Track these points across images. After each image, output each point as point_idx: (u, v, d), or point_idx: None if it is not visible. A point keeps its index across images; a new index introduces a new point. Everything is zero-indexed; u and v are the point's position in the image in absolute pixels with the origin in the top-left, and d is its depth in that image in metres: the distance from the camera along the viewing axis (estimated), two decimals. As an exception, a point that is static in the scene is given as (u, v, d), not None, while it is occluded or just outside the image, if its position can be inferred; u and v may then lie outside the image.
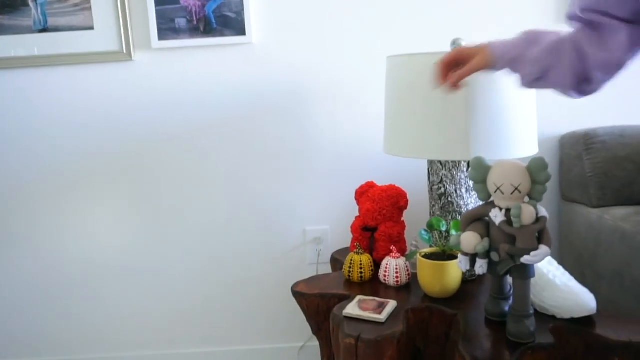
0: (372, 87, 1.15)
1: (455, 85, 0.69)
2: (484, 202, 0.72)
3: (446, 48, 1.10)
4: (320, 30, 1.13)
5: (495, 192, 0.68)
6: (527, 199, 0.68)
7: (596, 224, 0.99)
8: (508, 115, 0.82)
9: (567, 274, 0.77)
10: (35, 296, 1.24)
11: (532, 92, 0.86)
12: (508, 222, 0.67)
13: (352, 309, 0.78)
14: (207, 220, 1.21)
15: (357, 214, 1.02)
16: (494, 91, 0.81)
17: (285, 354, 1.24)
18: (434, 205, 0.93)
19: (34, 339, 1.26)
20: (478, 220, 0.71)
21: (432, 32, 1.12)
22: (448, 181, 0.90)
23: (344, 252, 1.08)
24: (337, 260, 1.05)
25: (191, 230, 1.21)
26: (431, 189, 0.93)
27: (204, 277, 1.24)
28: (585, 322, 0.72)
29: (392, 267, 0.88)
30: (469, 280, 0.90)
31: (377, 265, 0.95)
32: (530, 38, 0.65)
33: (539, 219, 0.66)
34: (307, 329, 1.23)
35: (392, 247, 0.90)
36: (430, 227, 0.85)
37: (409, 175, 1.17)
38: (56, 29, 1.11)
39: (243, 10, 1.09)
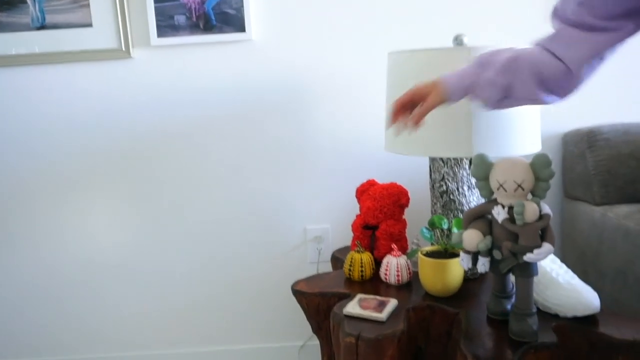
0: (373, 84, 1.15)
1: (416, 124, 0.69)
2: (487, 200, 0.71)
3: (448, 43, 1.09)
4: (321, 26, 1.13)
5: (497, 189, 0.67)
6: (530, 196, 0.68)
7: (599, 221, 0.99)
8: (511, 112, 0.81)
9: (570, 272, 0.77)
10: (35, 296, 1.24)
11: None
12: (511, 219, 0.66)
13: (352, 307, 0.78)
14: (207, 219, 1.21)
15: (358, 212, 1.02)
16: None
17: (286, 353, 1.24)
18: (435, 203, 0.92)
19: (34, 338, 1.26)
20: (480, 217, 0.71)
21: (434, 27, 1.12)
22: (450, 179, 0.90)
23: (345, 250, 1.08)
24: (337, 259, 1.04)
25: (191, 229, 1.21)
26: (433, 187, 0.93)
27: (204, 277, 1.23)
28: (588, 321, 0.71)
29: (393, 266, 0.87)
30: (471, 279, 0.89)
31: (377, 263, 0.95)
32: (483, 62, 0.67)
33: (542, 217, 0.65)
34: (307, 328, 1.23)
35: (393, 246, 0.90)
36: (432, 225, 0.85)
37: (410, 173, 1.17)
38: (54, 26, 1.11)
39: (243, 6, 1.09)
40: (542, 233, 0.66)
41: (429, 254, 0.84)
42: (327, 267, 1.20)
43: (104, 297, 1.24)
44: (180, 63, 1.14)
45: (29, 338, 1.25)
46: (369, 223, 0.96)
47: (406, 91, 0.68)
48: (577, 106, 1.15)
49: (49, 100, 1.16)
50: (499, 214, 0.67)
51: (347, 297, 0.85)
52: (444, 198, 0.90)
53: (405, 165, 1.17)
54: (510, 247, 0.66)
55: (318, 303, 0.87)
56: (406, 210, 0.98)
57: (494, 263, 0.70)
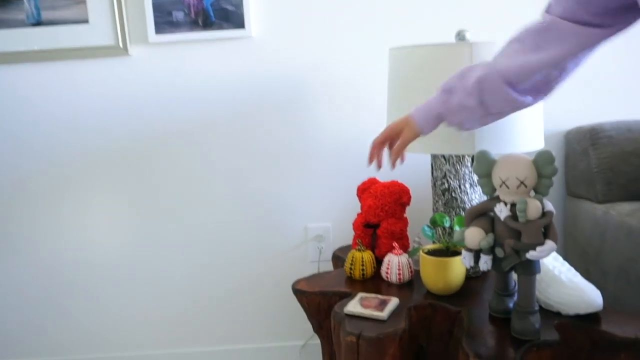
0: (374, 80, 1.15)
1: (397, 159, 0.74)
2: (489, 197, 0.72)
3: (450, 39, 1.09)
4: (322, 22, 1.13)
5: (500, 186, 0.68)
6: (532, 193, 0.68)
7: (602, 219, 1.00)
8: (513, 109, 0.81)
9: (572, 269, 0.77)
10: (34, 296, 1.24)
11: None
12: (513, 216, 0.66)
13: (353, 306, 0.78)
14: (207, 218, 1.21)
15: (359, 210, 1.02)
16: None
17: (287, 352, 1.25)
18: (437, 201, 0.93)
19: (33, 339, 1.26)
20: (482, 215, 0.71)
21: (436, 23, 1.12)
22: (452, 176, 0.90)
23: (346, 249, 1.08)
24: (338, 258, 1.05)
25: (191, 229, 1.21)
26: (434, 185, 0.93)
27: (204, 276, 1.24)
28: (591, 319, 0.72)
29: (395, 264, 0.88)
30: (473, 277, 0.90)
31: (379, 262, 0.95)
32: (448, 88, 0.69)
33: (545, 214, 0.66)
34: (308, 327, 1.23)
35: (395, 244, 0.90)
36: (434, 223, 0.85)
37: (412, 171, 1.17)
38: (50, 23, 1.11)
39: (242, 3, 1.09)
40: (544, 230, 0.66)
41: (431, 252, 0.84)
42: (328, 266, 1.21)
43: (104, 297, 1.24)
44: (178, 60, 1.14)
45: (28, 338, 1.26)
46: (370, 221, 0.97)
47: (382, 131, 0.74)
48: (580, 103, 1.15)
49: (45, 98, 1.16)
50: (502, 211, 0.67)
51: (348, 296, 0.85)
52: (445, 196, 0.91)
53: (406, 163, 1.17)
54: (512, 244, 0.67)
55: (319, 302, 0.87)
56: (407, 209, 0.98)
57: (496, 261, 0.70)
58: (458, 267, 0.81)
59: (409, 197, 0.96)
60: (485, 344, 0.68)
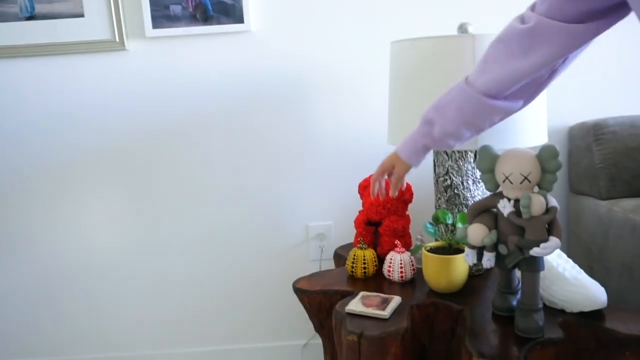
0: (375, 76, 1.15)
1: (395, 191, 0.81)
2: (492, 193, 0.72)
3: (452, 32, 1.09)
4: (322, 16, 1.12)
5: (503, 181, 0.68)
6: (536, 188, 0.68)
7: (605, 216, 1.00)
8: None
9: (576, 266, 0.77)
10: (32, 296, 1.24)
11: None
12: (517, 213, 0.67)
13: (355, 305, 0.78)
14: (207, 217, 1.21)
15: (361, 208, 1.02)
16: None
17: (289, 351, 1.25)
18: (439, 198, 0.93)
19: (32, 339, 1.26)
20: (485, 211, 0.71)
21: (438, 16, 1.12)
22: (454, 173, 0.90)
23: (348, 247, 1.09)
24: (340, 256, 1.05)
25: (190, 228, 1.21)
26: (437, 181, 0.93)
27: (205, 276, 1.23)
28: (595, 316, 0.72)
29: (397, 262, 0.88)
30: (476, 275, 0.90)
31: (381, 260, 0.95)
32: (428, 119, 0.71)
33: (549, 210, 0.66)
34: (310, 326, 1.24)
35: (397, 242, 0.91)
36: (436, 220, 0.85)
37: (414, 168, 1.17)
38: (44, 17, 1.10)
39: (240, -4, 1.08)
40: (548, 227, 0.66)
41: (433, 250, 0.84)
42: (330, 265, 1.21)
43: (103, 297, 1.24)
44: (176, 55, 1.13)
45: (27, 338, 1.25)
46: (372, 219, 0.97)
47: (377, 168, 0.81)
48: (584, 99, 1.16)
49: (39, 94, 1.15)
50: (505, 207, 0.67)
51: (349, 295, 0.85)
52: (448, 192, 0.91)
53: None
54: (516, 241, 0.67)
55: (320, 301, 0.87)
56: (410, 206, 0.98)
57: (499, 258, 0.70)
58: (461, 264, 0.81)
59: (411, 194, 0.96)
60: (489, 343, 0.68)
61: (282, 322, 1.25)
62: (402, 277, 0.88)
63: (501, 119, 0.69)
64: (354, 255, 0.92)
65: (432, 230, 0.85)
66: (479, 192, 0.91)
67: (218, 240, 1.22)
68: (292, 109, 1.16)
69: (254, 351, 1.25)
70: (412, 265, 0.89)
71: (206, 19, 1.10)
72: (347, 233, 1.21)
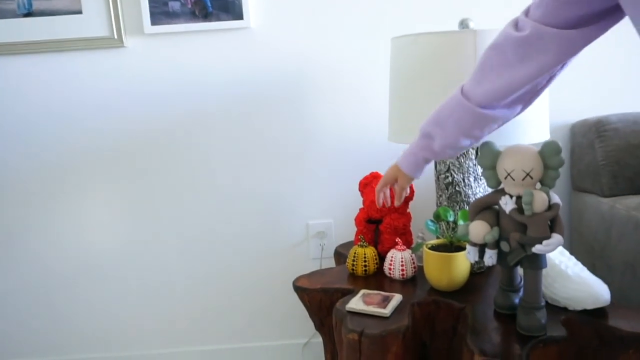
0: (376, 73, 1.14)
1: (400, 201, 0.83)
2: (494, 190, 0.71)
3: (453, 27, 1.09)
4: (322, 13, 1.12)
5: (505, 178, 0.67)
6: (538, 185, 0.68)
7: (608, 214, 1.00)
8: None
9: (579, 264, 0.77)
10: (31, 296, 1.24)
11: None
12: (519, 209, 0.66)
13: (355, 303, 0.78)
14: (206, 215, 1.20)
15: (361, 206, 1.02)
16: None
17: (290, 350, 1.25)
18: (440, 195, 0.92)
19: (30, 339, 1.26)
20: (487, 208, 0.71)
21: (439, 12, 1.11)
22: (455, 169, 0.90)
23: (348, 245, 1.08)
24: (340, 254, 1.05)
25: (190, 226, 1.21)
26: (438, 178, 0.93)
27: (205, 274, 1.23)
28: (598, 314, 0.72)
29: (398, 260, 0.87)
30: (477, 273, 0.90)
31: (381, 258, 0.95)
32: (427, 133, 0.72)
33: (551, 206, 0.66)
34: (311, 325, 1.23)
35: (398, 240, 0.90)
36: (437, 218, 0.85)
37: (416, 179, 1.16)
38: (42, 13, 1.09)
39: (239, -8, 1.08)
40: (551, 224, 0.66)
41: (434, 248, 0.84)
42: (331, 263, 1.21)
43: (103, 297, 1.24)
44: (175, 52, 1.13)
45: (26, 339, 1.25)
46: (372, 217, 0.96)
47: (380, 180, 0.84)
48: (586, 96, 1.15)
49: (36, 92, 1.15)
50: (507, 204, 0.67)
51: (350, 293, 0.85)
52: (449, 190, 0.90)
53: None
54: (518, 238, 0.66)
55: (320, 299, 0.87)
56: (411, 203, 0.98)
57: (501, 255, 0.70)
58: (462, 262, 0.81)
59: (412, 192, 0.96)
60: (490, 341, 0.68)
61: (282, 321, 1.25)
62: (403, 275, 0.87)
63: (500, 126, 0.69)
64: (355, 253, 0.91)
65: (433, 228, 0.85)
66: (480, 189, 0.91)
67: (218, 239, 1.22)
68: (292, 106, 1.16)
69: (255, 350, 1.25)
70: (413, 263, 0.88)
71: (205, 16, 1.09)
72: (348, 231, 1.21)
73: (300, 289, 0.88)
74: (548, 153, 0.65)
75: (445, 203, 0.91)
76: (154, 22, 1.09)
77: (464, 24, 0.85)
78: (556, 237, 0.64)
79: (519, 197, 0.67)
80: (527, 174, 0.65)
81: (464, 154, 0.89)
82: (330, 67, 1.14)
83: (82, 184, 1.19)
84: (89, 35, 1.10)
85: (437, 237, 0.89)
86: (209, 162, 1.18)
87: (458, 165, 0.90)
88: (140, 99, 1.15)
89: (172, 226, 1.21)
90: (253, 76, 1.14)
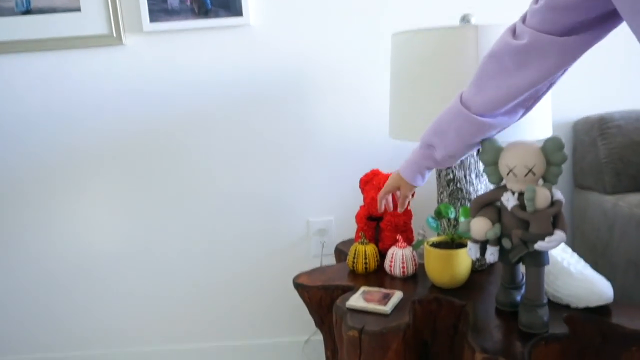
0: (376, 70, 1.14)
1: (403, 208, 0.85)
2: (496, 186, 0.71)
3: (455, 22, 1.08)
4: (322, 9, 1.11)
5: (507, 174, 0.67)
6: (541, 181, 0.67)
7: (610, 211, 0.99)
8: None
9: (582, 261, 0.76)
10: (30, 295, 1.24)
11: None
12: (521, 206, 0.66)
13: (355, 300, 0.77)
14: (207, 212, 1.20)
15: (362, 203, 1.01)
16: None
17: (290, 348, 1.24)
18: (442, 192, 0.92)
19: (29, 336, 1.26)
20: (489, 205, 0.71)
21: (440, 8, 1.10)
22: (457, 166, 0.89)
23: (349, 243, 1.08)
24: (341, 252, 1.04)
25: (191, 224, 1.21)
26: (439, 175, 0.92)
27: (205, 272, 1.23)
28: (600, 312, 0.71)
29: (398, 257, 0.87)
30: (479, 270, 0.89)
31: (382, 255, 0.95)
32: (429, 143, 0.73)
33: (554, 203, 0.65)
34: (312, 322, 1.23)
35: (398, 237, 0.90)
36: (438, 215, 0.85)
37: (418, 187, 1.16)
38: (40, 11, 1.09)
39: (239, -11, 1.08)
40: (553, 220, 0.65)
41: (436, 245, 0.84)
42: (331, 261, 1.20)
43: (103, 294, 1.24)
44: (174, 50, 1.13)
45: (25, 335, 1.25)
46: (373, 214, 0.96)
47: (383, 188, 0.85)
48: (588, 93, 1.15)
49: (35, 91, 1.14)
50: (509, 200, 0.66)
51: (350, 290, 0.84)
52: (450, 186, 0.90)
53: (409, 154, 1.17)
54: (520, 235, 0.66)
55: (320, 297, 0.87)
56: (411, 200, 0.98)
57: (503, 252, 0.70)
58: (463, 259, 0.80)
59: (413, 192, 0.95)
60: (492, 338, 0.67)
61: (283, 319, 1.24)
62: (403, 272, 0.87)
63: (500, 131, 0.69)
64: (355, 250, 0.91)
65: (434, 225, 0.85)
66: (482, 185, 0.90)
67: (218, 238, 1.22)
68: (292, 104, 1.15)
69: (255, 347, 1.25)
70: (414, 260, 0.88)
71: (204, 13, 1.09)
72: (349, 229, 1.20)
73: (301, 287, 0.88)
74: (551, 149, 0.65)
75: (447, 200, 0.91)
76: (152, 19, 1.09)
77: (465, 19, 0.85)
78: (559, 234, 0.64)
79: (521, 194, 0.66)
80: (530, 170, 0.65)
81: (465, 150, 0.89)
82: (330, 64, 1.13)
83: (82, 183, 1.19)
84: (87, 33, 1.10)
85: (438, 234, 0.89)
86: (209, 160, 1.18)
87: (459, 162, 0.89)
88: (139, 97, 1.15)
89: (172, 225, 1.21)
90: (252, 73, 1.14)
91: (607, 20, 0.55)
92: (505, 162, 0.67)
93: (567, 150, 1.17)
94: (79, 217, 1.20)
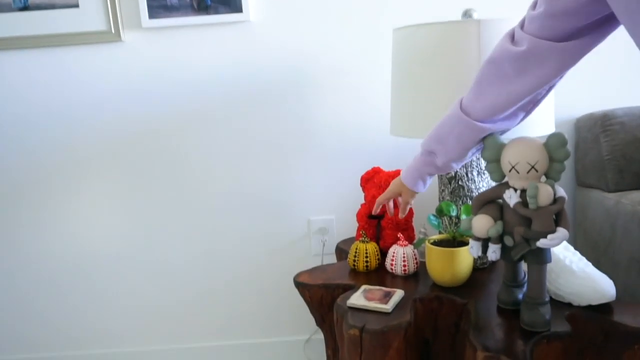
0: (377, 66, 1.13)
1: (404, 214, 0.86)
2: (498, 184, 0.71)
3: (457, 17, 1.07)
4: (322, 5, 1.11)
5: (509, 171, 0.67)
6: (543, 178, 0.67)
7: (613, 209, 0.99)
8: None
9: (584, 259, 0.76)
10: (29, 293, 1.24)
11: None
12: (523, 203, 0.65)
13: (356, 299, 0.77)
14: (207, 211, 1.20)
15: (363, 201, 1.01)
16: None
17: (291, 347, 1.24)
18: (443, 190, 0.92)
19: (30, 334, 1.26)
20: (491, 202, 0.70)
21: (442, 3, 1.10)
22: (458, 164, 0.89)
23: (350, 241, 1.08)
24: (342, 250, 1.04)
25: (191, 222, 1.20)
26: (440, 173, 0.92)
27: (206, 271, 1.23)
28: (603, 310, 0.71)
29: (400, 256, 0.87)
30: (480, 269, 0.89)
31: (383, 254, 0.95)
32: (430, 150, 0.73)
33: (556, 200, 0.65)
34: (312, 321, 1.23)
35: (400, 235, 0.90)
36: (440, 213, 0.84)
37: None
38: (38, 7, 1.09)
39: (238, -15, 1.07)
40: (556, 217, 0.65)
41: (437, 243, 0.83)
42: (332, 260, 1.20)
43: (102, 291, 1.24)
44: (173, 46, 1.12)
45: (25, 334, 1.25)
46: (374, 212, 0.96)
47: (384, 193, 0.86)
48: (591, 90, 1.14)
49: (33, 87, 1.14)
50: (511, 197, 0.66)
51: (351, 289, 0.84)
52: (452, 184, 0.90)
53: (411, 151, 1.17)
54: (522, 232, 0.66)
55: (321, 295, 0.87)
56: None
57: (505, 250, 0.69)
58: (465, 257, 0.80)
59: (414, 188, 0.95)
60: (494, 337, 0.67)
61: (284, 318, 1.24)
62: (405, 270, 0.87)
63: (501, 134, 0.70)
64: (356, 248, 0.91)
65: (435, 223, 0.84)
66: (483, 183, 0.90)
67: (218, 236, 1.21)
68: (293, 101, 1.15)
69: (256, 347, 1.25)
70: (415, 258, 0.88)
71: (203, 9, 1.08)
72: (350, 227, 1.20)
73: (301, 285, 0.88)
74: (553, 145, 0.64)
75: (448, 197, 0.91)
76: (151, 15, 1.08)
77: (467, 14, 0.84)
78: (561, 231, 0.63)
79: (523, 191, 0.66)
80: (532, 167, 0.65)
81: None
82: (331, 61, 1.13)
83: (81, 180, 1.19)
84: (85, 30, 1.09)
85: (440, 232, 0.88)
86: (209, 158, 1.18)
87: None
88: (138, 94, 1.14)
89: (173, 224, 1.21)
90: (252, 70, 1.13)
91: (605, 23, 0.56)
92: (507, 159, 0.67)
93: (569, 148, 1.16)
94: (79, 217, 1.20)
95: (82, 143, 1.17)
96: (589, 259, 1.08)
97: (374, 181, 0.97)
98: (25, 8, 1.09)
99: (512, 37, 0.61)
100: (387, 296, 0.77)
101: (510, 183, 0.68)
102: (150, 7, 1.08)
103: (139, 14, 1.10)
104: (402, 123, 0.87)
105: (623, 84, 1.14)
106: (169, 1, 1.08)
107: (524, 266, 0.75)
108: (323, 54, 1.13)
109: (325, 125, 1.16)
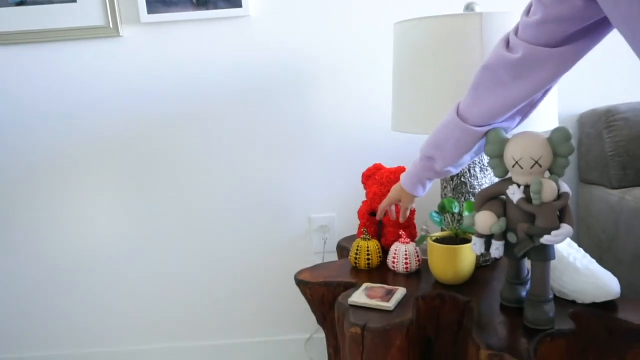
0: (378, 61, 1.13)
1: (404, 219, 0.88)
2: (501, 179, 0.70)
3: (458, 10, 1.07)
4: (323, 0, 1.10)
5: (513, 166, 0.66)
6: (547, 174, 0.66)
7: (616, 206, 0.98)
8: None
9: (587, 256, 0.76)
10: (28, 291, 1.23)
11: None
12: (527, 199, 0.65)
13: (358, 297, 0.77)
14: (207, 209, 1.20)
15: (364, 198, 1.01)
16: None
17: (292, 346, 1.24)
18: (445, 186, 0.91)
19: (30, 334, 1.26)
20: (494, 198, 0.70)
21: None
22: (460, 160, 0.88)
23: (351, 239, 1.08)
24: (343, 248, 1.04)
25: (191, 221, 1.20)
26: (442, 170, 0.91)
27: (206, 270, 1.23)
28: (607, 307, 0.71)
29: (401, 253, 0.87)
30: (483, 266, 0.89)
31: (385, 251, 0.94)
32: (428, 155, 0.74)
33: (560, 196, 0.64)
34: (313, 320, 1.23)
35: (401, 232, 0.89)
36: (442, 209, 0.84)
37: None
38: (35, 2, 1.08)
39: (238, -21, 1.06)
40: (560, 213, 0.65)
41: (439, 240, 0.83)
42: (333, 258, 1.20)
43: (103, 291, 1.23)
44: (172, 41, 1.12)
45: (26, 333, 1.25)
46: (375, 209, 0.95)
47: (384, 200, 0.88)
48: (594, 85, 1.14)
49: (30, 83, 1.13)
50: (514, 193, 0.66)
51: (352, 287, 0.84)
52: (454, 181, 0.89)
53: (412, 147, 1.16)
54: (526, 228, 0.65)
55: (322, 293, 0.86)
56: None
57: (508, 247, 0.69)
58: (468, 255, 0.80)
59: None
60: (497, 335, 0.67)
61: (285, 316, 1.24)
62: (406, 268, 0.87)
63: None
64: (358, 246, 0.90)
65: (437, 220, 0.84)
66: (486, 180, 0.90)
67: (219, 234, 1.21)
68: (293, 97, 1.14)
69: (256, 345, 1.25)
70: (417, 256, 0.88)
71: (203, 3, 1.08)
72: (351, 225, 1.20)
73: (302, 283, 0.87)
74: (557, 140, 0.64)
75: (450, 194, 0.90)
76: (150, 10, 1.08)
77: (469, 7, 0.84)
78: (565, 228, 0.63)
79: (527, 186, 0.65)
80: (536, 162, 0.64)
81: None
82: (331, 56, 1.12)
83: (80, 177, 1.18)
84: (83, 25, 1.09)
85: (442, 229, 0.88)
86: (209, 155, 1.17)
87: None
88: (137, 90, 1.14)
89: (173, 221, 1.20)
90: (252, 66, 1.13)
91: (600, 26, 0.56)
92: (510, 154, 0.66)
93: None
94: (78, 214, 1.20)
95: (80, 139, 1.17)
96: (592, 255, 1.08)
97: (375, 178, 0.97)
98: (22, 2, 1.08)
99: (507, 42, 0.61)
100: (388, 294, 0.77)
101: (514, 179, 0.68)
102: (148, 1, 1.07)
103: (137, 9, 1.09)
104: (404, 118, 0.87)
105: (627, 79, 1.14)
106: (168, -4, 1.08)
107: (527, 263, 0.75)
108: (323, 48, 1.12)
109: (326, 121, 1.16)
